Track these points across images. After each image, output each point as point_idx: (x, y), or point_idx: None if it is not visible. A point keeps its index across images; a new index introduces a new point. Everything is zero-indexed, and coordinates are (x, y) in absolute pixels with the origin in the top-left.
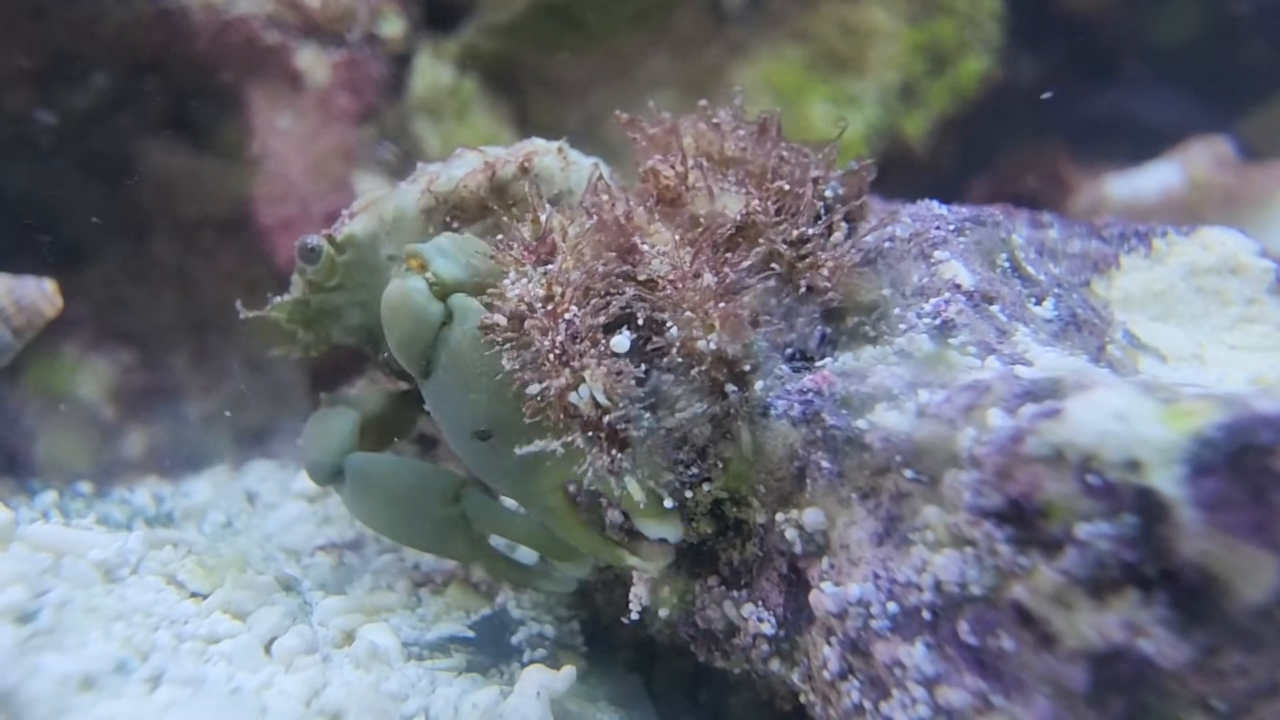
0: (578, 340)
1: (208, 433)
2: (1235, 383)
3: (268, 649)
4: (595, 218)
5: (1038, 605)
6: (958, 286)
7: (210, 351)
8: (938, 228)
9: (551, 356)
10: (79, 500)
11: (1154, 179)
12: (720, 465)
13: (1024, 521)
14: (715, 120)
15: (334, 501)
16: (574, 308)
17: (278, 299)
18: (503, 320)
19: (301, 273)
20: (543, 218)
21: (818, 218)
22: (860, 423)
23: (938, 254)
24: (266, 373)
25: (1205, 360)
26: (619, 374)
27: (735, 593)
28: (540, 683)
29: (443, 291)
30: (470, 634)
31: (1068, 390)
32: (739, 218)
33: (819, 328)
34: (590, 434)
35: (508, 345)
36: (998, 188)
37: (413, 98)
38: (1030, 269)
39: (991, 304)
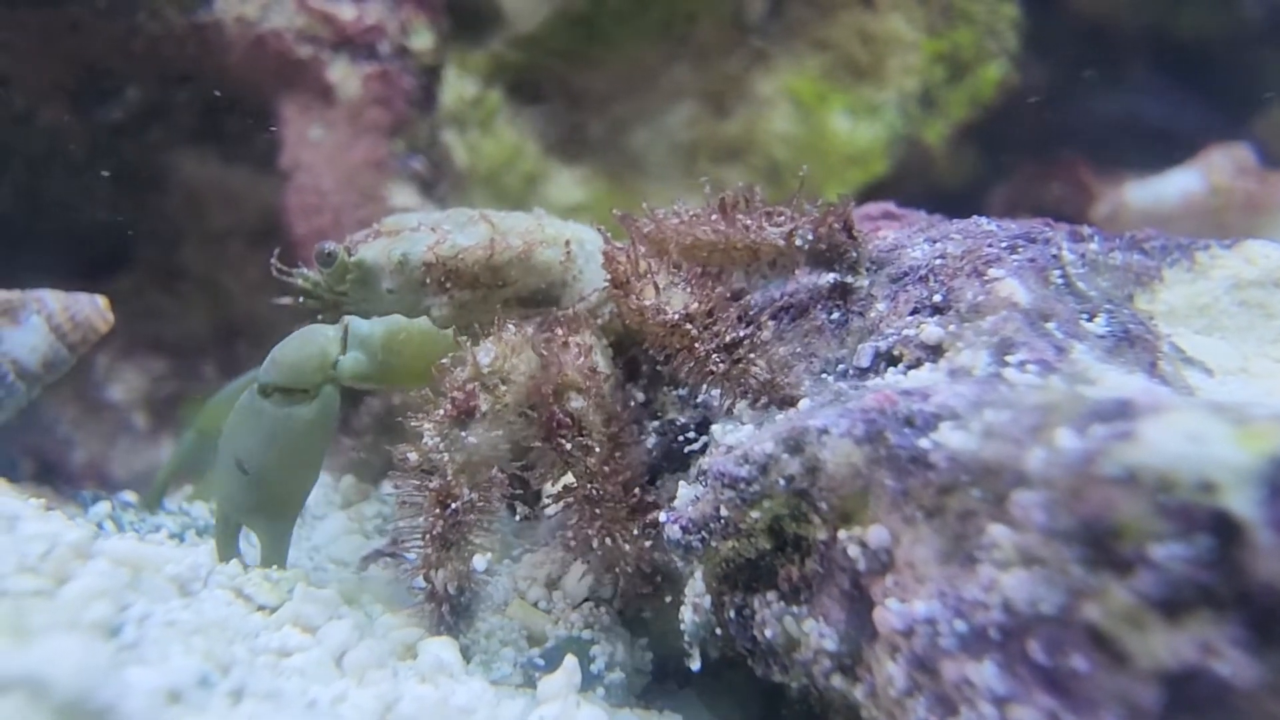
0: (462, 521)
1: None
2: None
3: (338, 662)
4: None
5: (1110, 625)
6: (1014, 305)
7: (240, 360)
8: (989, 245)
9: (436, 530)
10: (130, 511)
11: (1175, 185)
12: (783, 482)
13: (1096, 542)
14: (689, 213)
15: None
16: (468, 490)
17: (305, 270)
18: (414, 458)
19: (319, 272)
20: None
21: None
22: (924, 442)
23: (992, 271)
24: None
25: (1251, 374)
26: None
27: (795, 608)
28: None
29: (334, 376)
30: (540, 661)
31: (1139, 411)
32: (677, 317)
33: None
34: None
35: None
36: (1019, 195)
37: (442, 109)
38: (1082, 285)
39: (1048, 321)
